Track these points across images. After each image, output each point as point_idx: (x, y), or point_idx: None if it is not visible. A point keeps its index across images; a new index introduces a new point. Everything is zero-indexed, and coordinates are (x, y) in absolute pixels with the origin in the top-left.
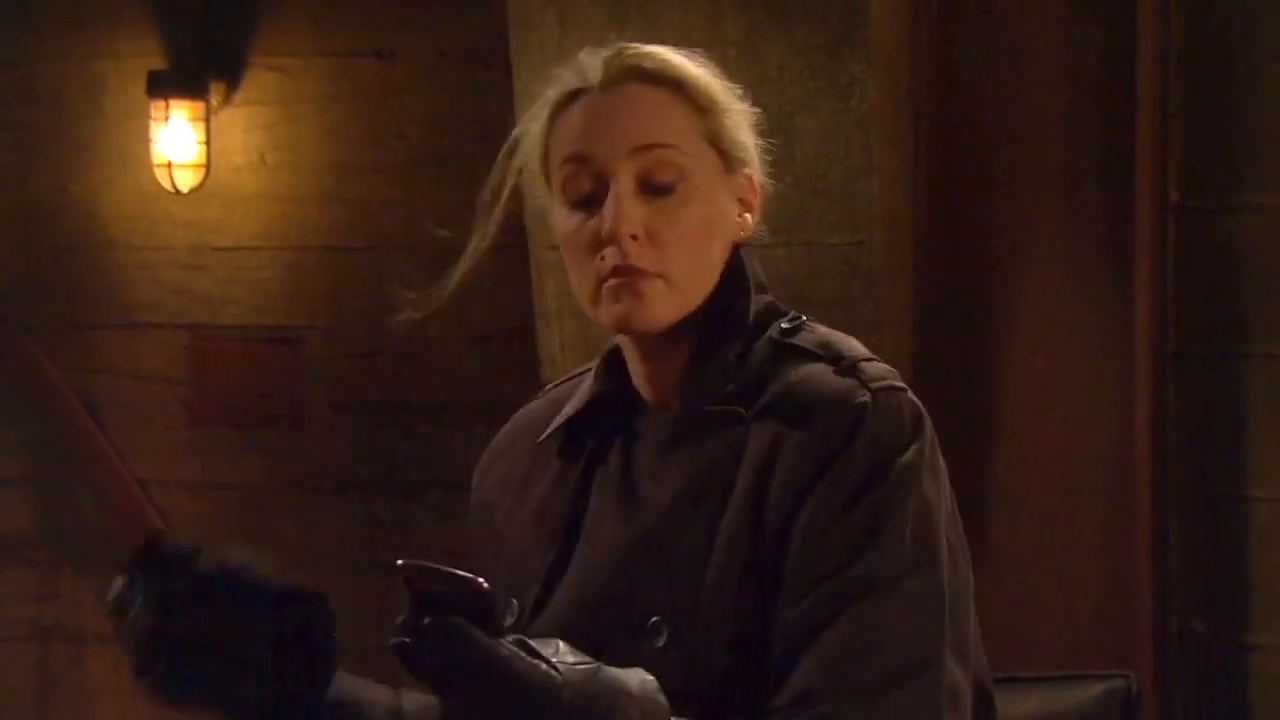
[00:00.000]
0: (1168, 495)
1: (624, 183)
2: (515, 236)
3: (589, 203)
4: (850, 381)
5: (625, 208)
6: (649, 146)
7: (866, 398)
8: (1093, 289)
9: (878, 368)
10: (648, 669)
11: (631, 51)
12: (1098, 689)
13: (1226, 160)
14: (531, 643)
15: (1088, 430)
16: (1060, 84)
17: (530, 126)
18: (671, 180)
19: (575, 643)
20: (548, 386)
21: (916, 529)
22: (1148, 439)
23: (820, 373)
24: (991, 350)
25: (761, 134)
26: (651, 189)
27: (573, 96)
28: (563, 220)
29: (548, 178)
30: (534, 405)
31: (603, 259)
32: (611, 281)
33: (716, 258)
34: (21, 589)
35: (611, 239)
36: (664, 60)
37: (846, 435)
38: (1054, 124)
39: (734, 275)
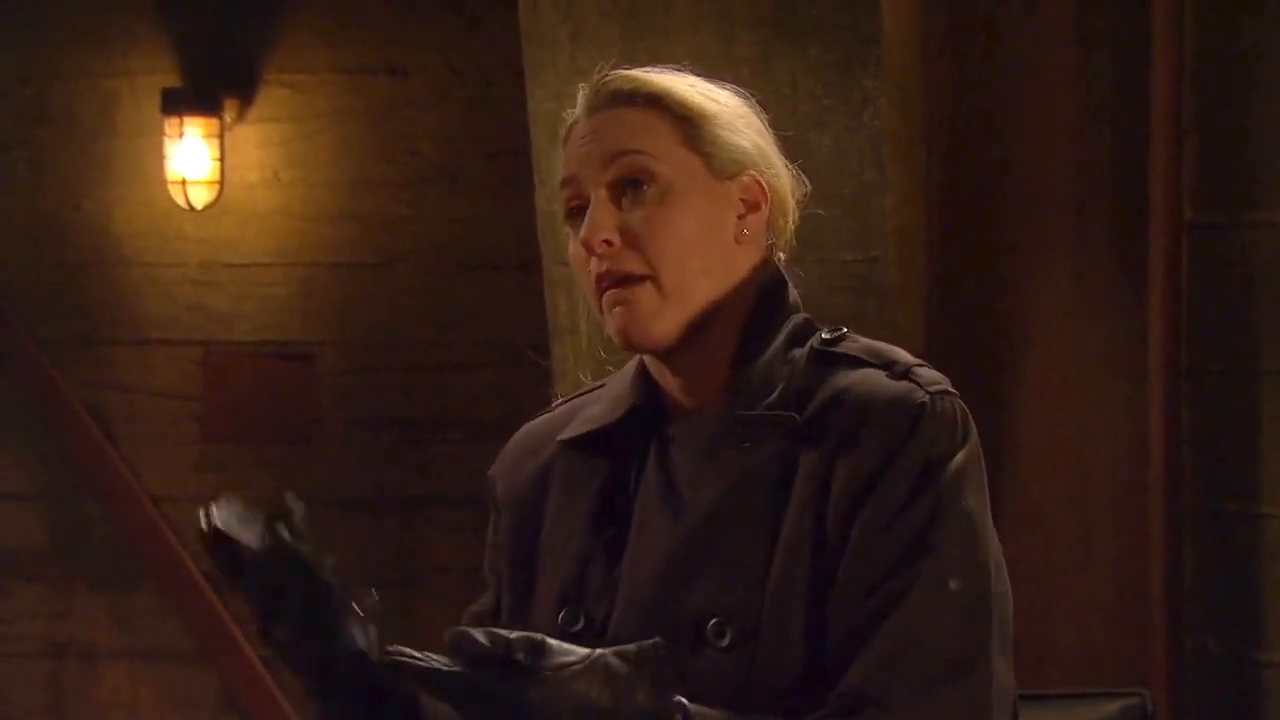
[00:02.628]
0: (1181, 512)
1: (597, 194)
2: (527, 254)
3: (579, 218)
4: (906, 384)
5: (596, 216)
6: (616, 155)
7: (925, 399)
8: (1106, 305)
9: (931, 373)
10: (709, 671)
11: (610, 76)
12: (1113, 707)
13: (1240, 177)
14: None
15: (1100, 446)
16: (1073, 99)
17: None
18: (644, 176)
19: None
20: (556, 402)
21: (964, 532)
22: (1161, 455)
23: (874, 377)
24: (1004, 366)
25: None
26: (623, 194)
27: (572, 128)
28: (571, 240)
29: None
30: (553, 414)
31: (594, 273)
32: (606, 295)
33: (716, 260)
34: (34, 605)
35: (588, 248)
36: (640, 79)
37: (904, 436)
38: (1067, 140)
39: (771, 281)
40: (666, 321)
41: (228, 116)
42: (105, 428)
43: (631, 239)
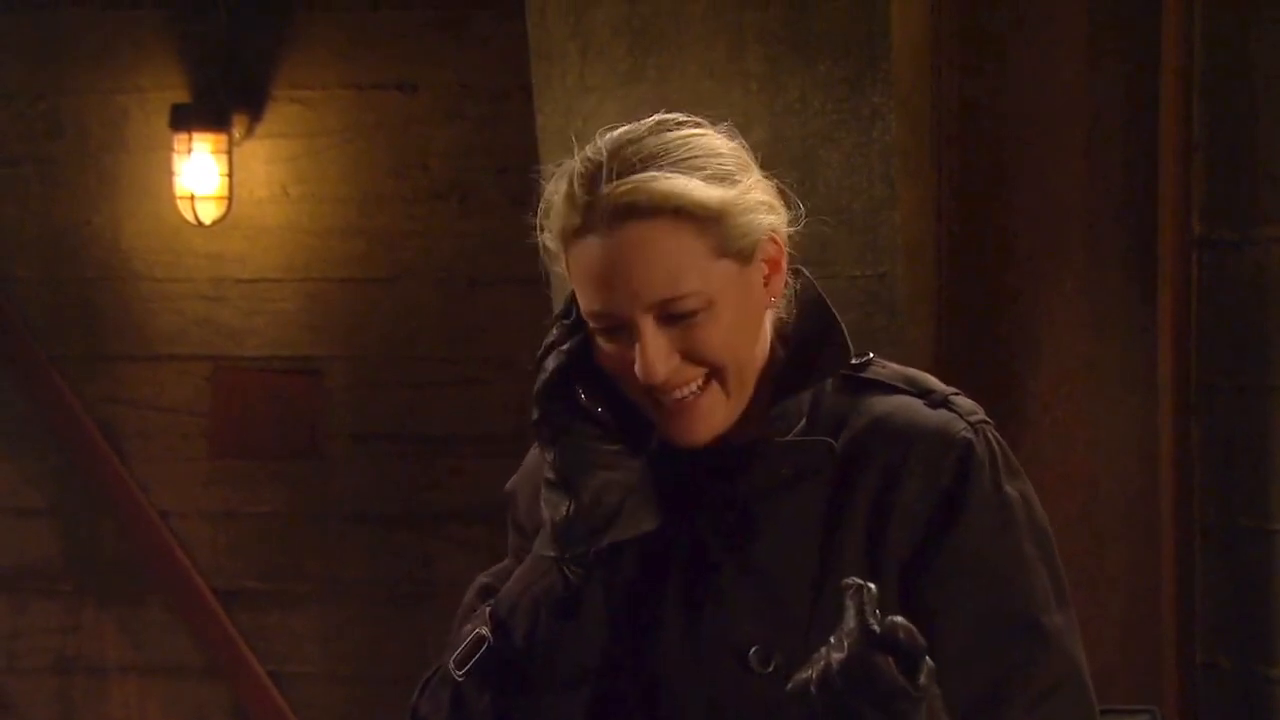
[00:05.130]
0: (1192, 528)
1: (646, 328)
2: (537, 269)
3: (618, 333)
4: (946, 414)
5: (651, 352)
6: (662, 301)
7: (969, 433)
8: (1116, 321)
9: (968, 402)
10: (750, 696)
11: (622, 188)
12: None
13: (1250, 192)
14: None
15: (1111, 461)
16: (1082, 115)
17: (548, 232)
18: (692, 310)
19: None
20: None
21: (1046, 559)
22: (1171, 472)
23: (912, 405)
24: (1014, 383)
25: (784, 166)
26: (674, 320)
27: (576, 234)
28: (600, 347)
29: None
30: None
31: (644, 386)
32: (668, 404)
33: (755, 334)
34: (44, 620)
35: (648, 380)
36: (657, 192)
37: (959, 473)
38: (1076, 155)
39: (820, 328)
40: (726, 415)
41: (237, 132)
42: (115, 443)
43: (689, 356)
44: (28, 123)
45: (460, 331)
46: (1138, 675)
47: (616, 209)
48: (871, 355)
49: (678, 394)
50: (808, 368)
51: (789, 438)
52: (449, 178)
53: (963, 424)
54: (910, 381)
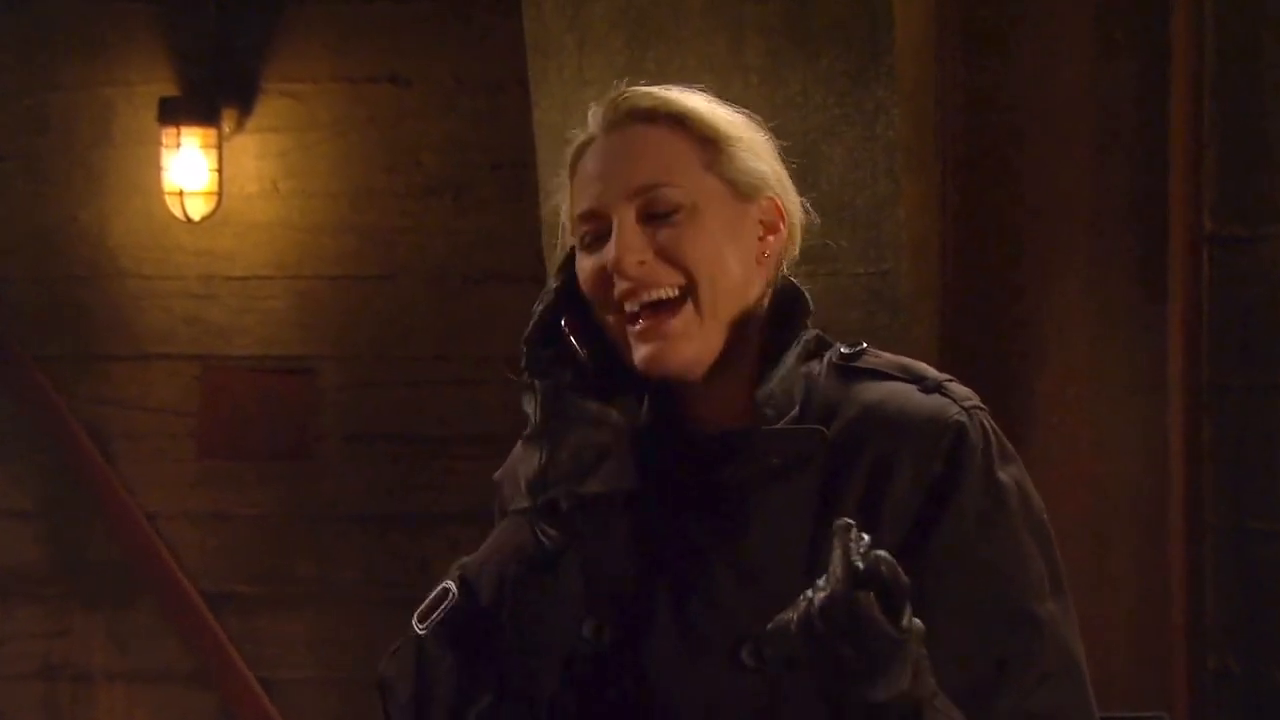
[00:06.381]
0: (1202, 530)
1: (625, 217)
2: (532, 266)
3: (600, 242)
4: (940, 400)
5: (627, 238)
6: (643, 189)
7: (963, 417)
8: (1124, 319)
9: (962, 388)
10: (739, 691)
11: (630, 93)
12: None
13: (1261, 189)
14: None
15: (1118, 462)
16: (1090, 111)
17: (560, 182)
18: (673, 207)
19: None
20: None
21: (1041, 546)
22: (1181, 471)
23: (905, 391)
24: (1020, 382)
25: (786, 161)
26: (654, 219)
27: (585, 147)
28: (581, 265)
29: (573, 232)
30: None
31: (617, 293)
32: (639, 325)
33: (740, 278)
34: (30, 625)
35: (617, 269)
36: (661, 97)
37: (951, 459)
38: (1083, 151)
39: (788, 296)
40: (700, 344)
41: (226, 126)
42: (102, 444)
43: (664, 254)
44: (13, 118)
45: (455, 330)
46: (1146, 679)
47: (620, 113)
48: (865, 344)
49: (647, 296)
50: (781, 328)
51: (780, 426)
52: (443, 173)
53: (956, 409)
54: (904, 369)
